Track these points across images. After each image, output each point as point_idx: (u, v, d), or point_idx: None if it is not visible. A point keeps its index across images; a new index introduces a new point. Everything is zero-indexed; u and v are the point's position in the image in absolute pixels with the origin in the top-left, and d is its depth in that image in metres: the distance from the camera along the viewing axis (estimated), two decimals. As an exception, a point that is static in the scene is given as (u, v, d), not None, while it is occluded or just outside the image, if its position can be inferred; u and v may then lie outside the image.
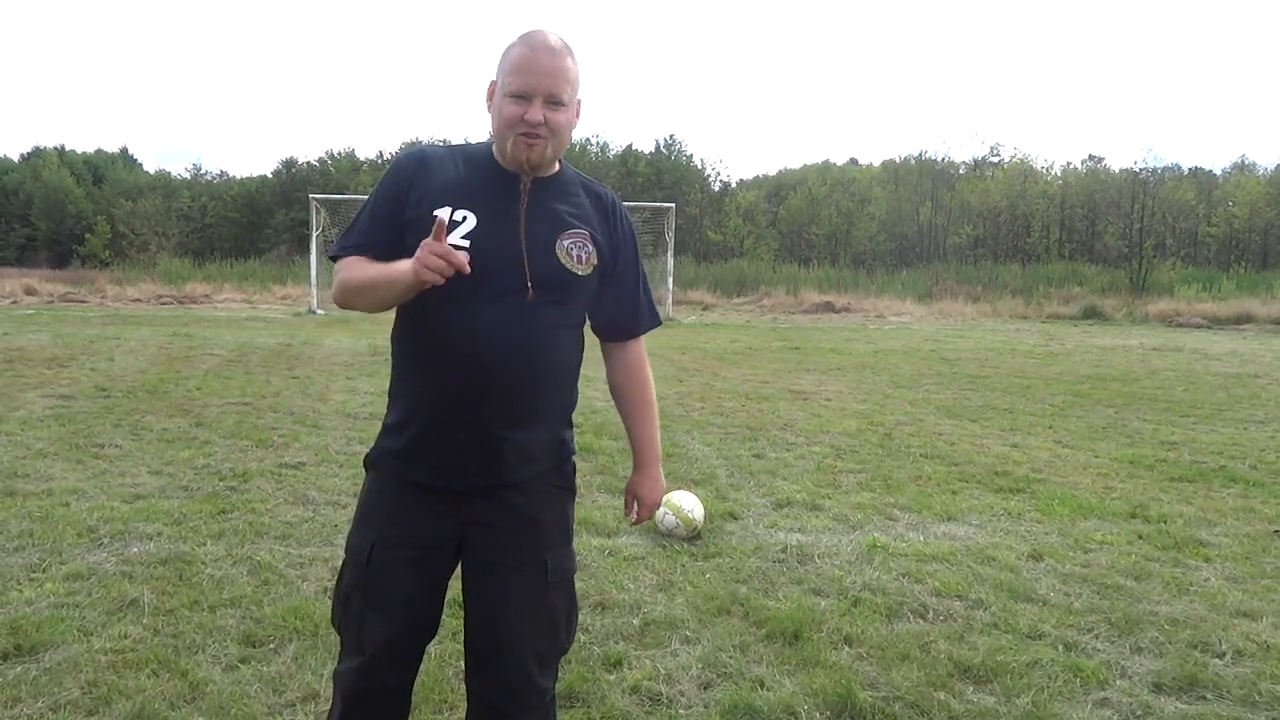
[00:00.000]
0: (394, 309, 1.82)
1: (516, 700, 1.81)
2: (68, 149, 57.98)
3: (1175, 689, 2.87)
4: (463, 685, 2.05)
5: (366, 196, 1.92)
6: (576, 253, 1.80)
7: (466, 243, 1.73)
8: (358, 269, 1.78)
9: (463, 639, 1.88)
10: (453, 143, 1.91)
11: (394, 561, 1.80)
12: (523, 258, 1.75)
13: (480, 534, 1.81)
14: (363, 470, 1.94)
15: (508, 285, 1.74)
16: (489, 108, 1.81)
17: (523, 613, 1.80)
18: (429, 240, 1.60)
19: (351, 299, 1.80)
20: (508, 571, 1.80)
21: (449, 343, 1.74)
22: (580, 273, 1.80)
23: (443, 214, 1.69)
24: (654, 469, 2.06)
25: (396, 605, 1.81)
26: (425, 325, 1.77)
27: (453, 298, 1.71)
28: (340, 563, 1.92)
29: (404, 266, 1.64)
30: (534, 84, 1.72)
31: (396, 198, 1.80)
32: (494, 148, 1.83)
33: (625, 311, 1.96)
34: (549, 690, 1.87)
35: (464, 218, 1.75)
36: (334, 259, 1.86)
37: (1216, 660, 3.08)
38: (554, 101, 1.73)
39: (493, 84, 1.81)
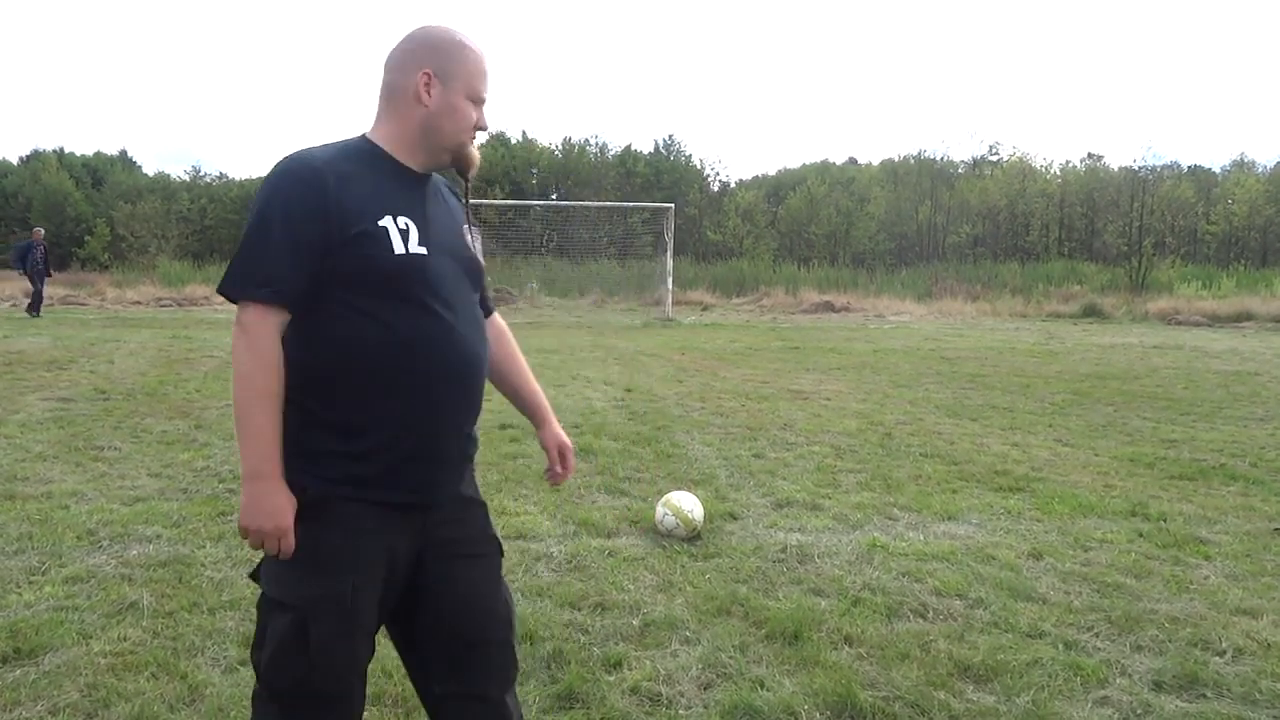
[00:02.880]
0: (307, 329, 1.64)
1: (506, 683, 1.84)
2: (67, 151, 57.96)
3: (1176, 687, 2.87)
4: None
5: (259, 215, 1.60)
6: (471, 240, 1.84)
7: (424, 249, 1.66)
8: (263, 381, 1.57)
9: (422, 647, 1.80)
10: (318, 144, 1.71)
11: (370, 597, 1.68)
12: (465, 256, 1.79)
13: (445, 531, 1.77)
14: None
15: (461, 286, 1.76)
16: (424, 97, 1.67)
17: (495, 594, 1.83)
18: (281, 545, 1.59)
19: (240, 388, 1.58)
20: (474, 559, 1.82)
21: (434, 355, 1.67)
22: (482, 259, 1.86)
23: (388, 223, 1.62)
24: (554, 418, 2.07)
25: (369, 638, 1.74)
26: (401, 341, 1.64)
27: (425, 309, 1.66)
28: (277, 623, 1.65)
29: (250, 481, 1.58)
30: (487, 90, 1.76)
31: (322, 219, 1.58)
32: (393, 143, 1.70)
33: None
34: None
35: (406, 225, 1.66)
36: (242, 300, 1.58)
37: (1217, 658, 3.07)
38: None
39: (426, 73, 1.68)
